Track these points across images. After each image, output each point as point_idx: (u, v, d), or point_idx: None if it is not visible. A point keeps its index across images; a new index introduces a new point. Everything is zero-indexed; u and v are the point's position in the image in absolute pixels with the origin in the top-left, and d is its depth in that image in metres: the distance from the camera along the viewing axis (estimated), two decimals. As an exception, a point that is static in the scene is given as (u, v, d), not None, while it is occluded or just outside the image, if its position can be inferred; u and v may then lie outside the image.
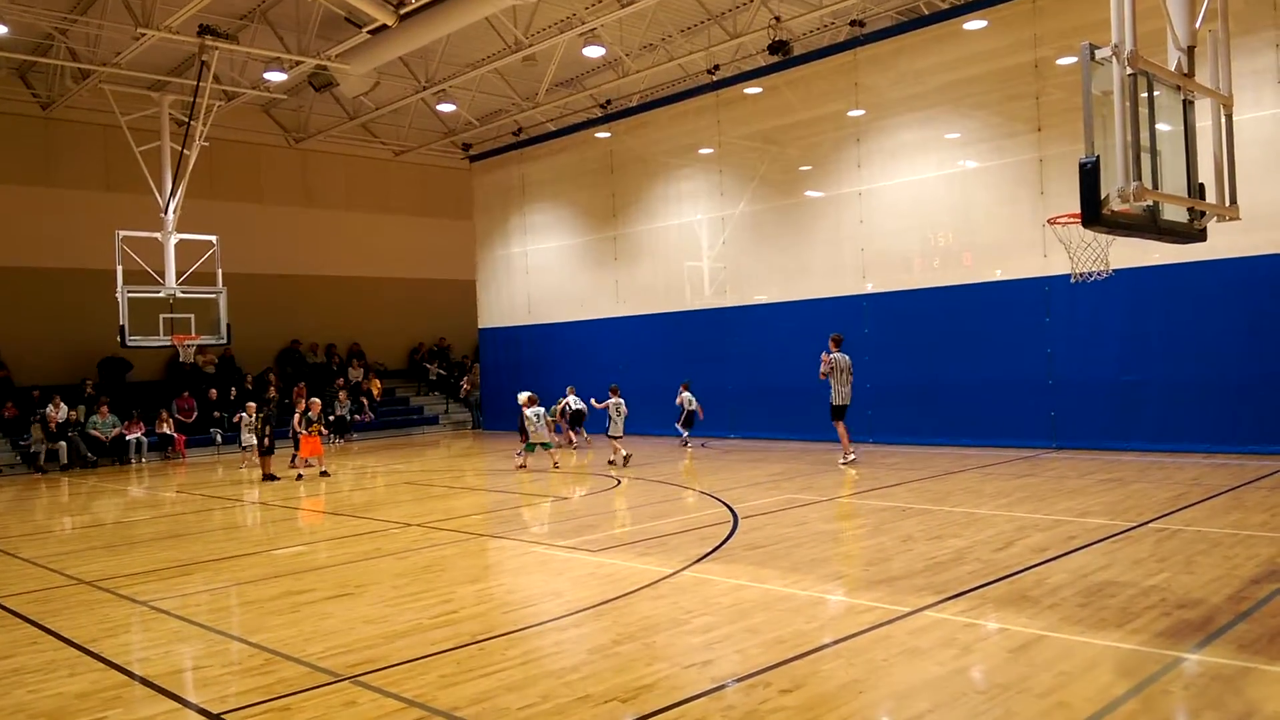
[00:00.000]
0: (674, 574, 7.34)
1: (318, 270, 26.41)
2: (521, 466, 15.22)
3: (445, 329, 28.97)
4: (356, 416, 24.19)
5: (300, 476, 15.38)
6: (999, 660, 5.08)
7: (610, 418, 15.34)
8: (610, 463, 15.08)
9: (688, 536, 8.91)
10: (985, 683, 4.78)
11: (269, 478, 15.26)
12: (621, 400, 15.59)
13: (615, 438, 15.21)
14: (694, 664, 5.21)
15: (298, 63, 18.91)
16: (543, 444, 15.11)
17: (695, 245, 20.28)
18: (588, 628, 6.08)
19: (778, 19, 17.53)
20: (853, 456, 14.02)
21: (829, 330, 14.45)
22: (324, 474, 15.68)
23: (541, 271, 23.94)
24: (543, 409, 15.49)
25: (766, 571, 7.35)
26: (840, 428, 14.16)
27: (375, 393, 25.67)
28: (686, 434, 17.91)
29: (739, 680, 4.92)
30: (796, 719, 4.36)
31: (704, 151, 20.05)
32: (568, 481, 13.92)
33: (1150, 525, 8.47)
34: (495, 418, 24.73)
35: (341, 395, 23.83)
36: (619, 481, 13.32)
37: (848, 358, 14.18)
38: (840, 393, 14.06)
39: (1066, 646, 5.23)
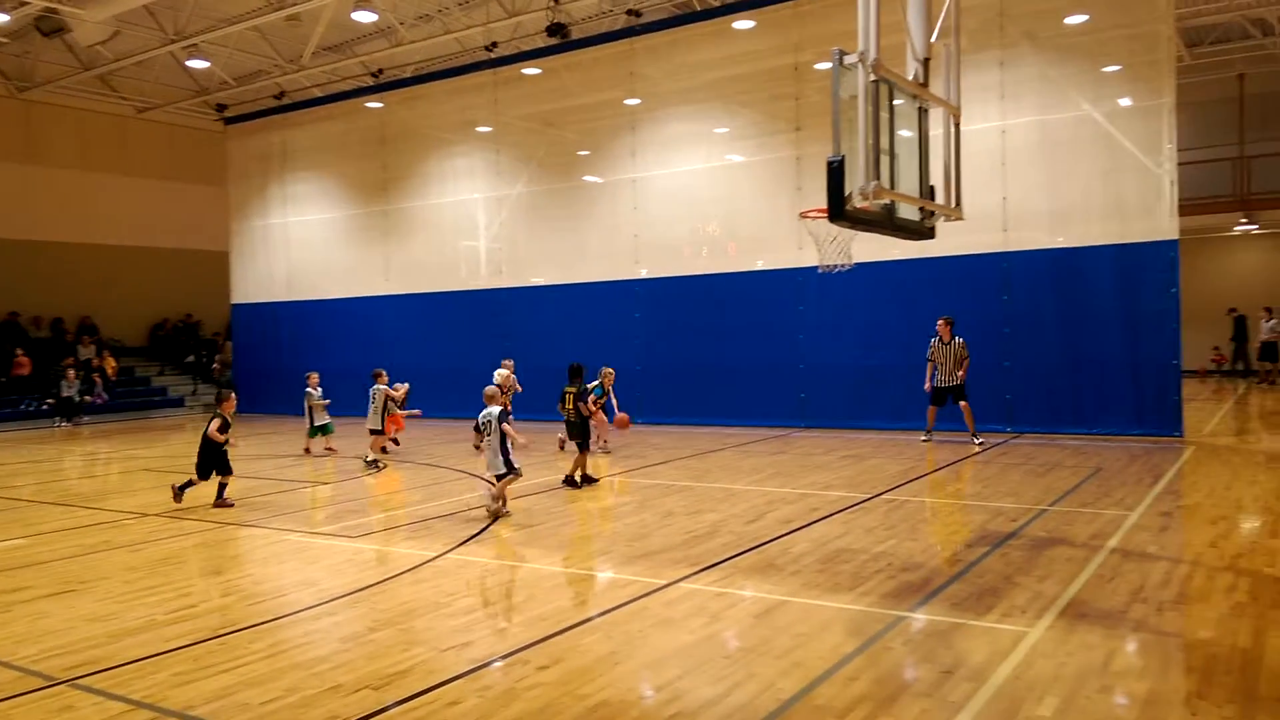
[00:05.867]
0: (437, 557, 7.21)
1: (43, 235, 23.63)
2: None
3: (193, 303, 26.81)
4: (87, 398, 21.93)
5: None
6: (744, 625, 5.38)
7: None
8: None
9: (454, 520, 8.78)
10: (731, 647, 5.04)
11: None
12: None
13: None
14: (452, 646, 5.14)
15: (22, 3, 16.78)
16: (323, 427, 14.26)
17: (471, 224, 19.92)
18: (341, 616, 5.85)
19: (557, 1, 17.51)
20: (980, 440, 12.97)
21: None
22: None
23: (303, 245, 22.64)
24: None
25: (531, 551, 7.38)
26: (962, 407, 13.07)
27: (110, 371, 23.37)
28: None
29: (498, 660, 4.91)
30: (553, 694, 4.41)
31: (481, 130, 19.71)
32: (331, 467, 13.32)
33: (883, 496, 9.26)
34: (250, 399, 23.14)
35: (70, 374, 21.51)
36: (384, 466, 12.89)
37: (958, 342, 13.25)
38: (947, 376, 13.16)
39: (805, 610, 5.62)
